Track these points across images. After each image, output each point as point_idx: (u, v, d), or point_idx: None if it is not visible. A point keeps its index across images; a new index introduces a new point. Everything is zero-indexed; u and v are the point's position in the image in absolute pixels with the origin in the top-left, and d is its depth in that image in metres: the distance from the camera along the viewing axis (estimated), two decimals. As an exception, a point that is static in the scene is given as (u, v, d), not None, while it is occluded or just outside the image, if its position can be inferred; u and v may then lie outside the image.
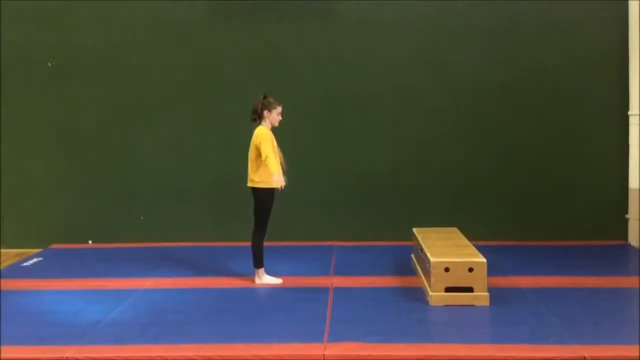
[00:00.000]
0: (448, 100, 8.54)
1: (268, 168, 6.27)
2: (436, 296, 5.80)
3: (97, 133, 8.69)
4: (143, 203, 8.69)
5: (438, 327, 5.45)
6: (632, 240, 8.26)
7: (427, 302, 5.87)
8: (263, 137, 6.37)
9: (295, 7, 8.50)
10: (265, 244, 6.55)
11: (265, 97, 6.47)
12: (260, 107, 6.45)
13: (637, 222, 8.20)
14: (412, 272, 6.92)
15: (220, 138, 8.63)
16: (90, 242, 8.66)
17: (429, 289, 5.92)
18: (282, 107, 6.51)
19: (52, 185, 8.74)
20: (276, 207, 6.54)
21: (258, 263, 6.57)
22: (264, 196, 6.45)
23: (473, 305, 5.72)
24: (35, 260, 7.79)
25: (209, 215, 8.65)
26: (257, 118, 6.49)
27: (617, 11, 8.32)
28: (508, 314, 5.56)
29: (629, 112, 8.27)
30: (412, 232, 7.14)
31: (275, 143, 6.46)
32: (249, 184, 6.51)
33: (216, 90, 8.59)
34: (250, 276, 6.69)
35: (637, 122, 8.20)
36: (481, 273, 5.77)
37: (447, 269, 5.79)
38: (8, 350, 4.79)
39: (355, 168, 8.59)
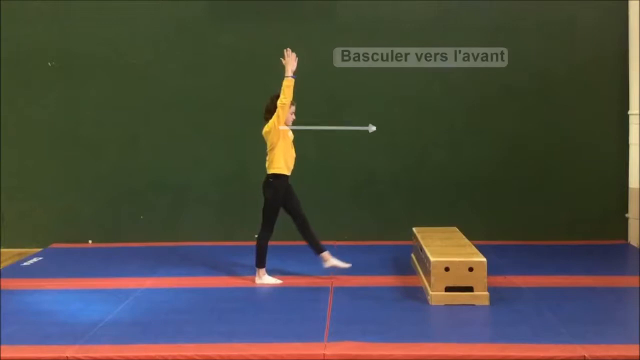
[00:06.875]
0: (448, 100, 8.54)
1: (283, 94, 6.25)
2: (436, 295, 5.80)
3: (97, 133, 8.68)
4: (143, 203, 8.69)
5: (438, 326, 5.45)
6: (632, 239, 8.26)
7: (427, 302, 5.87)
8: (271, 122, 6.35)
9: (296, 7, 8.50)
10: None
11: (278, 96, 6.35)
12: (273, 106, 6.38)
13: (637, 221, 8.20)
14: (412, 271, 6.92)
15: (221, 137, 8.63)
16: (90, 242, 8.65)
17: (429, 289, 5.92)
18: (295, 106, 6.48)
19: (52, 185, 8.73)
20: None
21: (259, 263, 6.58)
22: (274, 186, 6.40)
23: (473, 305, 5.72)
24: (35, 259, 7.78)
25: (209, 215, 8.65)
26: (271, 117, 6.40)
27: (617, 11, 8.32)
28: (508, 313, 5.56)
29: (629, 112, 8.27)
30: (412, 231, 7.14)
31: (290, 141, 6.47)
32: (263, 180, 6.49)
33: (217, 90, 8.58)
34: (250, 276, 6.69)
35: (637, 121, 8.19)
36: (481, 272, 5.77)
37: (447, 269, 5.79)
38: (8, 350, 4.79)
39: (355, 168, 8.60)
